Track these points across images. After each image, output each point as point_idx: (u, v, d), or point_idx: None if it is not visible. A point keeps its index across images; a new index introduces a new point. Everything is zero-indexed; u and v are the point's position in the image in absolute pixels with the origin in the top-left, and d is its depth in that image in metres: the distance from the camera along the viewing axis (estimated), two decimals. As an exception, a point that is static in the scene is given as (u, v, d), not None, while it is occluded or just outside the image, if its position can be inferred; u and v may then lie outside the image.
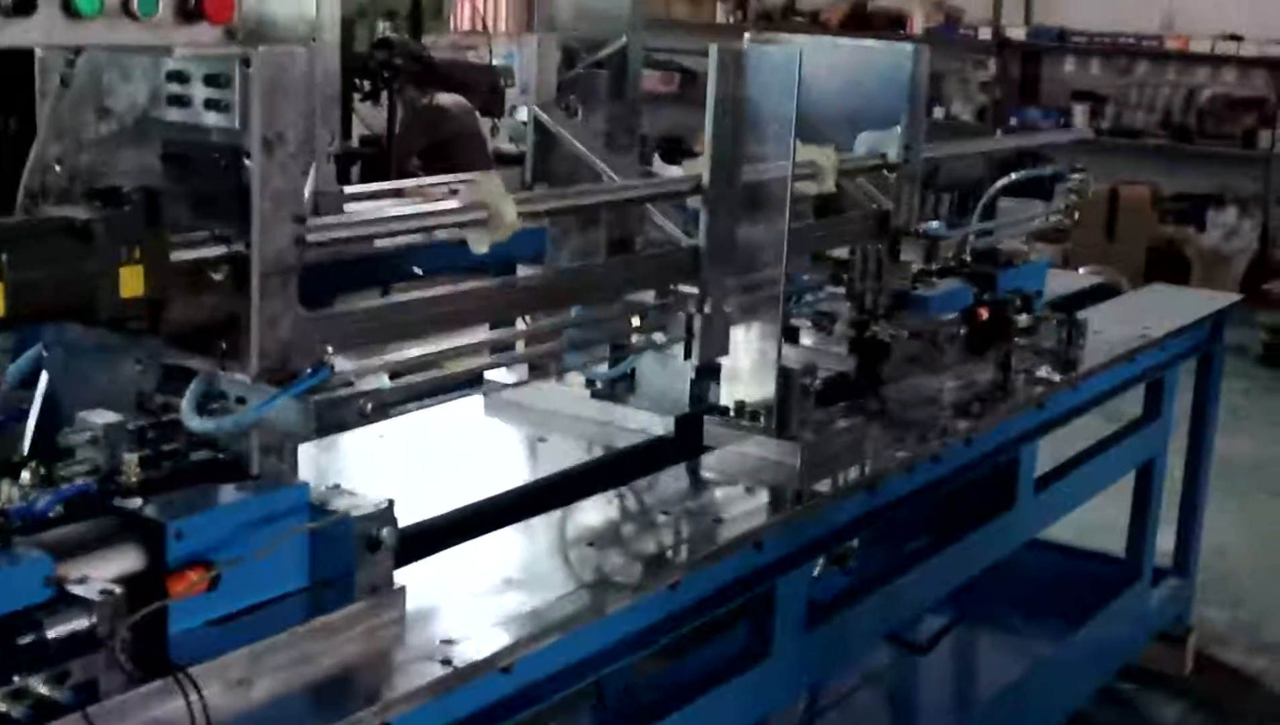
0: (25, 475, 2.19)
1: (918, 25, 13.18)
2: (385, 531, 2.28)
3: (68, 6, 1.95)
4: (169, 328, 2.22)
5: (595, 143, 3.41)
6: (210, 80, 2.19)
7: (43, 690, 1.84)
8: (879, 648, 4.13)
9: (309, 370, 2.27)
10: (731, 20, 13.72)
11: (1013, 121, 12.61)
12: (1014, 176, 5.39)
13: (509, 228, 2.72)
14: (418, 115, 10.01)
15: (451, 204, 2.74)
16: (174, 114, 2.24)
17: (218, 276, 2.23)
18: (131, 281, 2.07)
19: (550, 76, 3.45)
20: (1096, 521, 5.15)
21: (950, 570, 3.75)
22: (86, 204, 2.12)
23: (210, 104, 2.20)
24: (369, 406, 2.32)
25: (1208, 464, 5.38)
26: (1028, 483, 4.07)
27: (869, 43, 4.03)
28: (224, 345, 2.25)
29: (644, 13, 3.77)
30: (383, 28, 9.66)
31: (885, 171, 3.93)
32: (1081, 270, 5.88)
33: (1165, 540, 5.33)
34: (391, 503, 2.31)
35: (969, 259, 4.39)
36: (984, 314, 4.10)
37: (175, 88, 2.23)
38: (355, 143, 10.33)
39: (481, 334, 3.16)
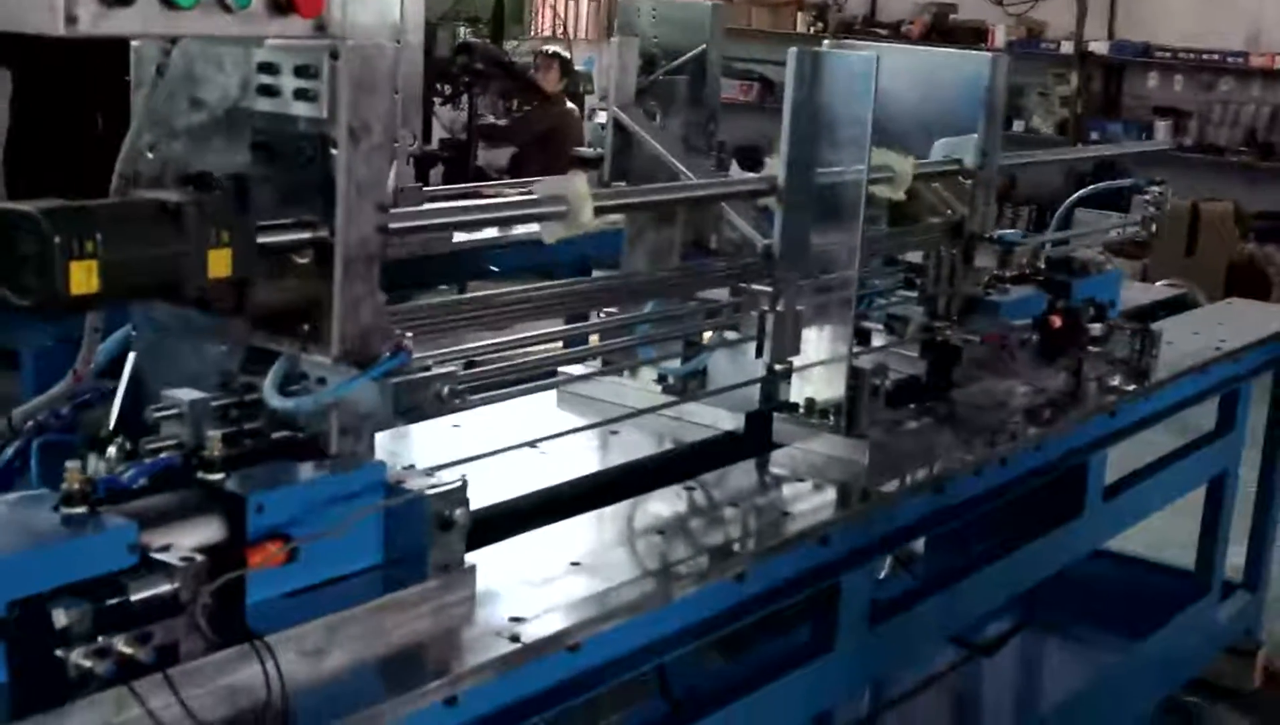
0: (111, 450, 2.27)
1: (999, 38, 13.19)
2: (458, 511, 2.34)
3: (165, -3, 2.02)
4: (254, 310, 2.29)
5: (673, 144, 3.47)
6: (300, 71, 2.26)
7: (126, 650, 1.90)
8: (945, 649, 4.15)
9: (388, 354, 2.34)
10: (812, 30, 13.76)
11: (1093, 136, 12.56)
12: (1091, 188, 5.42)
13: (583, 226, 2.77)
14: (538, 103, 10.19)
15: (529, 196, 2.79)
16: (264, 104, 2.31)
17: (302, 261, 2.30)
18: (218, 263, 2.14)
19: (630, 78, 3.52)
20: (1171, 537, 5.14)
21: (1016, 574, 3.77)
22: (179, 189, 2.20)
23: (299, 94, 2.27)
24: (445, 391, 2.38)
25: (1283, 480, 5.35)
26: (1097, 490, 4.07)
27: (947, 51, 4.06)
28: (306, 328, 2.32)
29: (724, 21, 3.83)
30: (464, 33, 9.79)
31: (961, 178, 3.97)
32: (1159, 283, 5.85)
33: (1237, 555, 5.31)
34: (465, 483, 2.38)
35: (1044, 267, 4.40)
36: (1057, 321, 4.11)
37: (266, 78, 2.30)
38: (435, 146, 10.46)
39: (556, 327, 3.22)
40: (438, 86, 10.15)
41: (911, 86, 3.96)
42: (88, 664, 1.88)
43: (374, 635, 2.22)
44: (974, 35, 13.27)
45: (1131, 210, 5.23)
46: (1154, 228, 5.21)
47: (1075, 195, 5.37)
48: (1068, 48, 12.76)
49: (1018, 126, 12.97)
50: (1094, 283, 4.39)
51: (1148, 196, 5.22)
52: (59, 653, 1.87)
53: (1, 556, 1.91)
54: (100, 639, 1.90)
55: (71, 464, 2.05)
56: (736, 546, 2.80)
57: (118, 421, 2.47)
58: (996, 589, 3.71)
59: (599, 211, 2.86)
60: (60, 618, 1.86)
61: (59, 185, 2.20)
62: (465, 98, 10.06)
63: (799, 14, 14.14)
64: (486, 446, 3.02)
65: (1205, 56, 12.47)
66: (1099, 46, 12.77)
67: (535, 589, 2.48)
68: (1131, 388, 4.08)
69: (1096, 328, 4.22)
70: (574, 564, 2.59)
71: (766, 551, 2.80)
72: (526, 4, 13.70)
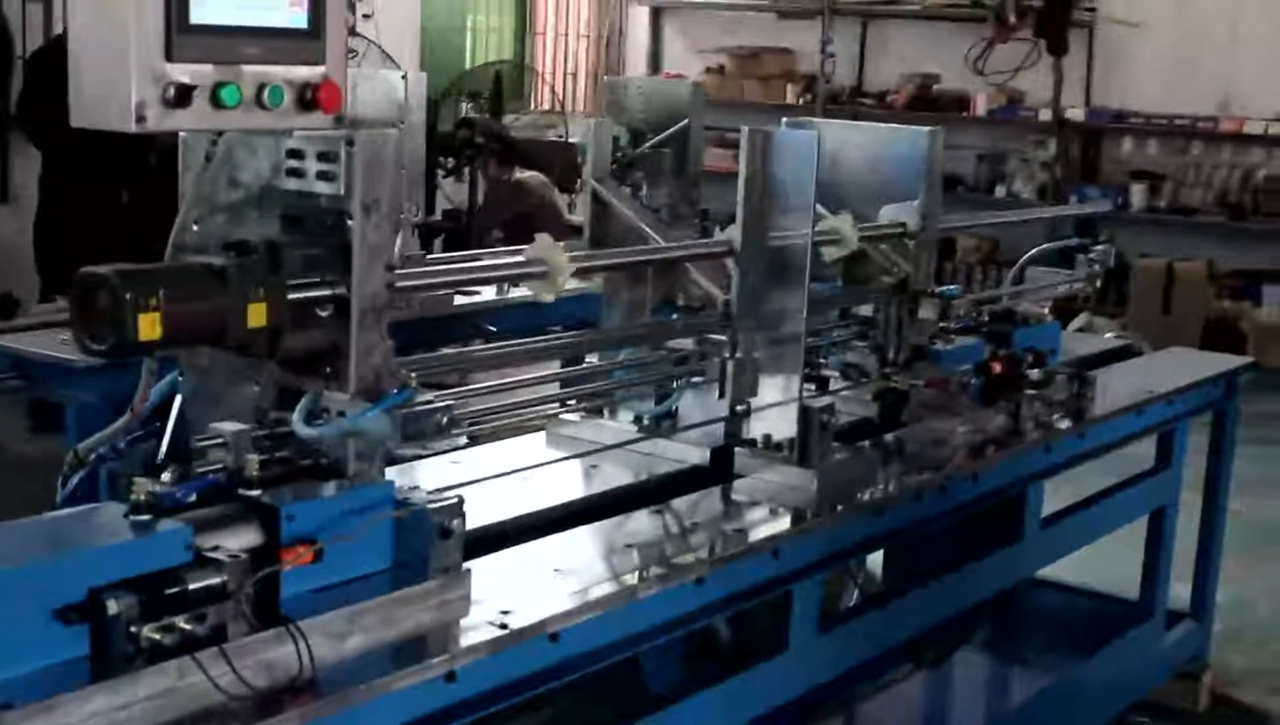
0: (166, 475, 2.73)
1: (980, 107, 13.67)
2: (455, 522, 2.79)
3: (214, 99, 2.50)
4: (285, 354, 2.75)
5: (645, 212, 3.93)
6: (322, 156, 2.74)
7: (186, 626, 2.36)
8: (896, 661, 4.58)
9: (395, 391, 2.80)
10: (801, 101, 14.25)
11: (1072, 199, 13.04)
12: (1041, 248, 5.94)
13: (566, 276, 3.24)
14: (499, 190, 10.56)
15: (518, 258, 3.26)
16: (291, 183, 2.78)
17: (324, 313, 2.77)
18: (256, 315, 2.61)
19: (606, 153, 3.98)
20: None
21: (956, 593, 4.20)
22: (223, 254, 2.67)
23: (321, 175, 2.74)
24: (445, 420, 2.84)
25: (1222, 515, 5.76)
26: (1035, 519, 4.52)
27: (891, 126, 4.54)
28: (328, 369, 2.79)
29: (719, 95, 4.27)
30: (466, 108, 10.30)
31: (906, 240, 4.44)
32: (1107, 335, 6.33)
33: (1186, 591, 5.75)
34: (461, 499, 2.83)
35: (988, 320, 4.87)
36: (996, 367, 4.57)
37: (293, 162, 2.77)
38: (439, 216, 10.94)
39: (541, 373, 3.68)
40: (441, 160, 10.66)
41: (862, 159, 4.44)
42: (156, 637, 2.33)
43: (386, 623, 2.67)
44: (956, 104, 13.74)
45: (1076, 267, 5.73)
46: (1098, 283, 5.72)
47: (1027, 255, 5.90)
48: (1046, 115, 13.26)
49: (1000, 192, 13.48)
50: (1033, 333, 4.86)
51: (1092, 255, 5.74)
52: (132, 629, 2.32)
53: (83, 552, 2.37)
54: (165, 618, 2.35)
55: (140, 481, 2.51)
56: (696, 556, 3.25)
57: (168, 451, 2.94)
58: (937, 605, 4.14)
59: (578, 272, 3.34)
60: (112, 606, 2.30)
61: (87, 257, 2.66)
62: (468, 170, 10.55)
63: (789, 86, 14.62)
64: (483, 476, 3.49)
65: (1177, 121, 12.95)
66: (1075, 113, 13.25)
67: (522, 589, 2.93)
68: (1064, 426, 4.53)
69: (1035, 373, 4.68)
70: (556, 570, 3.05)
71: (722, 560, 3.25)
72: (527, 80, 14.27)
